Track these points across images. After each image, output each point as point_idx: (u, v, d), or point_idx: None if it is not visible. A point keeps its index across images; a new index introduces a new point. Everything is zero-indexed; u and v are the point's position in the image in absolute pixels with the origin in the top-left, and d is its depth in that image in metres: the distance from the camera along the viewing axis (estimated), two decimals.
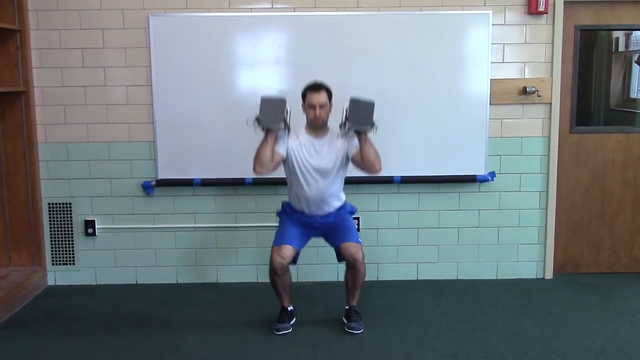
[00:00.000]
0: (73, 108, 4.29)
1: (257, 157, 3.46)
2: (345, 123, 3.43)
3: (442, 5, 4.23)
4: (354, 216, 3.84)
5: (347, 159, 3.59)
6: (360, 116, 3.37)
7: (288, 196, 3.71)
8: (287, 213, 3.71)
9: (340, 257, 3.64)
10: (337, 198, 3.65)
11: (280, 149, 3.51)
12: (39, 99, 4.28)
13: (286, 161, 3.56)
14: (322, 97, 3.47)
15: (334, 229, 3.64)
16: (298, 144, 3.54)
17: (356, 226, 3.84)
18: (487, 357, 3.28)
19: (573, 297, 4.15)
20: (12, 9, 4.10)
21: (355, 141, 3.49)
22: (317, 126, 3.53)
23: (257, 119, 3.39)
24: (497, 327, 3.65)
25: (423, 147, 4.31)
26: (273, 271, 3.52)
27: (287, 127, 3.45)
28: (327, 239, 3.71)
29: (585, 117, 4.57)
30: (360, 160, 3.50)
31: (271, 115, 3.39)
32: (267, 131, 3.42)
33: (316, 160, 3.52)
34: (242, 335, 3.57)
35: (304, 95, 3.52)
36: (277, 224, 3.73)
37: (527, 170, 4.42)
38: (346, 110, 3.41)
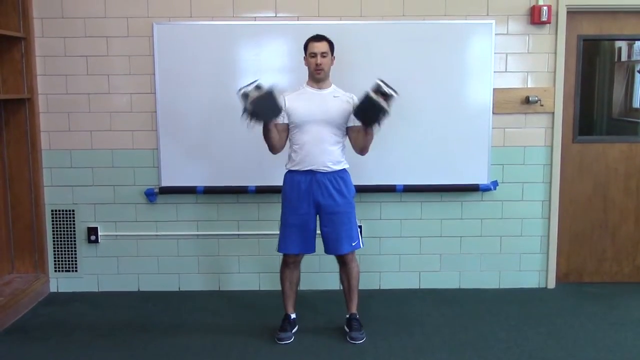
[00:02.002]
0: (77, 115, 4.31)
1: (270, 146, 3.51)
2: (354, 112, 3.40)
3: (445, 14, 4.24)
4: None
5: (346, 122, 3.53)
6: (368, 117, 3.34)
7: (288, 157, 3.58)
8: (288, 192, 3.56)
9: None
10: (337, 154, 3.52)
11: (282, 119, 3.51)
12: (43, 106, 4.29)
13: (289, 119, 3.53)
14: (323, 45, 3.48)
15: (333, 220, 3.53)
16: (298, 99, 3.52)
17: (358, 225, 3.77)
18: None
19: (576, 307, 4.14)
20: (17, 16, 4.12)
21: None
22: (319, 78, 3.51)
23: (251, 115, 3.29)
24: (500, 337, 3.64)
25: (425, 156, 4.31)
26: (285, 264, 3.58)
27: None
28: (321, 221, 3.56)
29: (588, 126, 4.58)
30: (354, 139, 3.53)
31: (268, 111, 3.34)
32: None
33: (319, 108, 3.47)
34: (245, 343, 3.57)
35: (305, 46, 3.53)
36: (278, 232, 3.69)
37: (530, 180, 4.42)
38: (358, 104, 3.37)
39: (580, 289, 4.50)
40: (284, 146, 3.59)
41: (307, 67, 3.56)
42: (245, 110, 3.28)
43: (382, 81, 3.34)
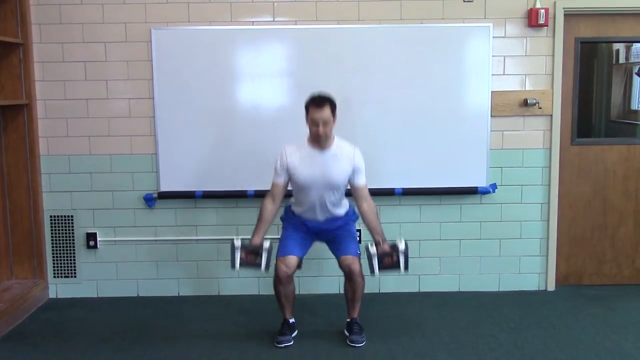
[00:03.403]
0: (75, 121, 4.31)
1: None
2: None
3: (443, 18, 4.25)
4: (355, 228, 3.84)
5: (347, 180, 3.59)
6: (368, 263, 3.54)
7: (292, 201, 3.71)
8: (290, 218, 3.70)
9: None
10: (340, 205, 3.64)
11: (281, 179, 3.55)
12: (41, 111, 4.29)
13: (290, 178, 3.56)
14: (325, 113, 3.39)
15: (335, 238, 3.64)
16: (299, 158, 3.51)
17: (358, 237, 3.85)
18: None
19: (575, 309, 4.14)
20: (15, 22, 4.12)
21: (358, 175, 3.54)
22: (320, 142, 3.49)
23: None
24: (500, 340, 3.64)
25: (424, 159, 4.31)
26: (278, 280, 3.52)
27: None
28: (328, 245, 3.71)
29: (586, 128, 4.58)
30: (356, 198, 3.60)
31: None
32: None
33: (321, 173, 3.48)
34: (244, 348, 3.56)
35: (307, 108, 3.47)
36: (279, 237, 3.72)
37: (529, 182, 4.42)
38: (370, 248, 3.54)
39: (579, 291, 4.50)
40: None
41: (307, 127, 3.51)
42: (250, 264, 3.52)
43: (406, 249, 3.49)
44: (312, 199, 3.54)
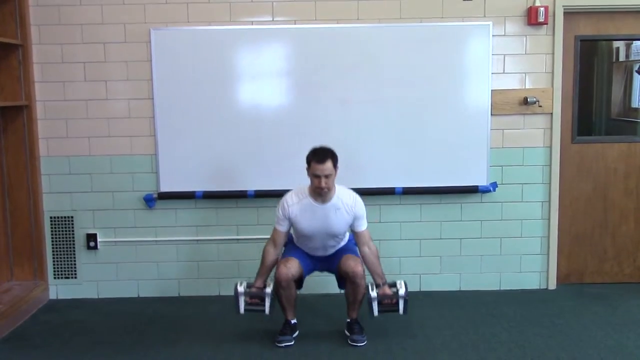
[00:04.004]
0: (75, 122, 4.31)
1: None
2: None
3: (442, 16, 4.24)
4: None
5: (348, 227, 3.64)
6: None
7: (295, 239, 3.76)
8: (294, 244, 3.77)
9: (340, 279, 3.71)
10: (342, 242, 3.74)
11: (282, 227, 3.59)
12: (41, 112, 4.29)
13: (292, 226, 3.61)
14: (327, 167, 3.39)
15: (335, 254, 3.71)
16: (300, 209, 3.54)
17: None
18: None
19: (577, 308, 4.13)
20: (15, 23, 4.12)
21: (359, 222, 3.59)
22: (322, 196, 3.50)
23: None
24: (501, 339, 3.63)
25: (424, 158, 4.30)
26: (278, 283, 3.52)
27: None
28: (330, 267, 3.74)
29: (586, 127, 4.58)
30: (359, 249, 3.63)
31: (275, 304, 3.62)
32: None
33: (322, 224, 3.53)
34: (245, 348, 3.56)
35: (308, 162, 3.46)
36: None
37: (529, 181, 4.41)
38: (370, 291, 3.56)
39: (581, 289, 4.49)
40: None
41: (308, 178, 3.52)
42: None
43: (406, 293, 3.53)
44: (315, 245, 3.64)
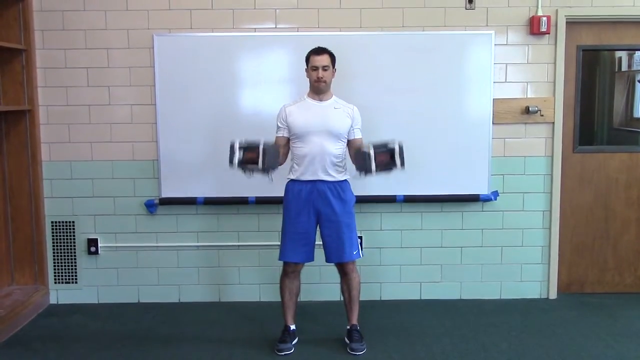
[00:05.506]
0: (77, 127, 4.32)
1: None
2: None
3: (445, 25, 4.25)
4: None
5: (347, 133, 3.59)
6: (361, 164, 3.47)
7: (291, 168, 3.61)
8: (290, 202, 3.58)
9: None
10: (339, 165, 3.56)
11: (283, 132, 3.59)
12: (43, 117, 4.30)
13: (290, 131, 3.57)
14: (324, 59, 3.51)
15: (334, 228, 3.55)
16: (298, 108, 3.58)
17: (358, 235, 3.81)
18: None
19: (577, 318, 4.12)
20: (18, 28, 4.14)
21: (356, 130, 3.60)
22: (320, 89, 3.54)
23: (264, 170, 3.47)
24: (501, 348, 3.62)
25: (426, 167, 4.30)
26: (285, 273, 3.57)
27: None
28: (321, 229, 3.59)
29: (588, 136, 4.58)
30: (354, 156, 3.56)
31: (271, 160, 3.47)
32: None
33: (321, 120, 3.51)
34: (245, 355, 3.56)
35: (307, 59, 3.56)
36: (279, 243, 3.69)
37: (531, 190, 4.41)
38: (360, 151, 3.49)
39: (582, 299, 4.48)
40: (286, 160, 3.62)
41: (308, 79, 3.58)
42: (250, 169, 3.47)
43: (401, 147, 3.44)
44: (312, 149, 3.49)
